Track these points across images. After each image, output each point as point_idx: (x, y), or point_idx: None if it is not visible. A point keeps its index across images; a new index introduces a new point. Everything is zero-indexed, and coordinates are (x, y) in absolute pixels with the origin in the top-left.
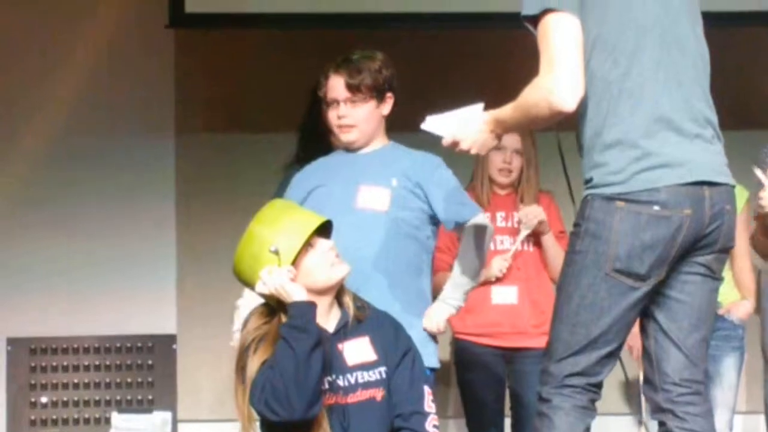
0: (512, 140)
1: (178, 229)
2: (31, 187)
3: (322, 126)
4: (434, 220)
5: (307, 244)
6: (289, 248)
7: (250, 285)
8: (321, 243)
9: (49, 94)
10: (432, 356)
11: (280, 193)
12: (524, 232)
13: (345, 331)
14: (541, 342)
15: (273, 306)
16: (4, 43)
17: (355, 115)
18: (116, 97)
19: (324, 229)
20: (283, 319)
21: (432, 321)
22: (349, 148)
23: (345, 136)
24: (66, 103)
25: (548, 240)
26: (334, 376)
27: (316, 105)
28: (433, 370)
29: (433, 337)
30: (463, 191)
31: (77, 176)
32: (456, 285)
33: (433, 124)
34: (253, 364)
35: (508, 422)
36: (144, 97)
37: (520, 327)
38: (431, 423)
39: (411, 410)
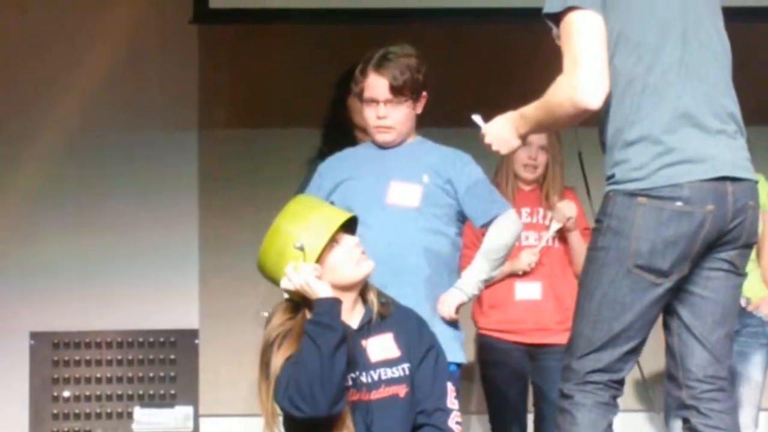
0: (538, 136)
1: (201, 224)
2: (53, 183)
3: (346, 121)
4: (462, 217)
5: (333, 241)
6: (314, 244)
7: (275, 281)
8: (346, 239)
9: (72, 90)
10: (458, 352)
11: (304, 187)
12: (554, 227)
13: (369, 327)
14: (564, 338)
15: (297, 302)
16: (26, 38)
17: (395, 117)
18: (139, 92)
19: (349, 225)
20: (308, 315)
21: (444, 306)
22: (383, 146)
23: (382, 137)
24: (89, 98)
25: (574, 237)
26: (357, 373)
27: (340, 100)
28: (459, 365)
29: (458, 331)
30: (492, 188)
31: (100, 172)
32: (473, 272)
33: (479, 117)
34: (277, 360)
35: (531, 418)
36: (167, 92)
37: (543, 323)
38: (454, 420)
39: (434, 407)
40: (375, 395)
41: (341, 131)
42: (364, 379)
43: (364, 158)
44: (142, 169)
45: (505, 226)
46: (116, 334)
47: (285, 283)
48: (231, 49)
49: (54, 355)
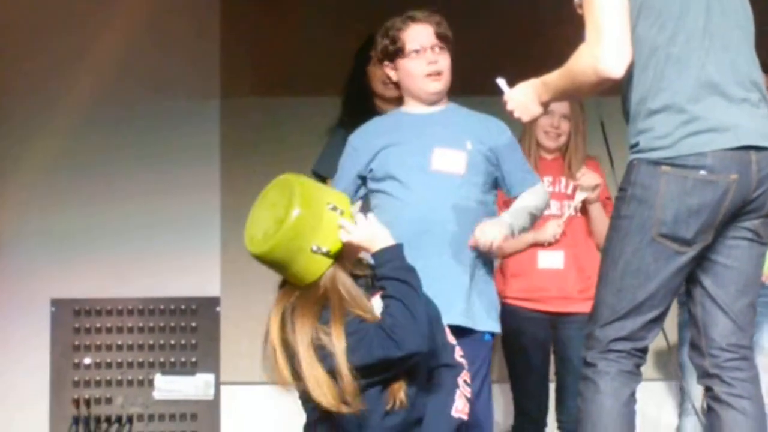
0: (561, 105)
1: (223, 192)
2: (76, 152)
3: (367, 90)
4: (496, 185)
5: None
6: (345, 204)
7: (300, 250)
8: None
9: (95, 60)
10: (494, 322)
11: (325, 156)
12: (579, 197)
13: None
14: (586, 307)
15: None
16: (51, 10)
17: (443, 63)
18: (162, 62)
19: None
20: (342, 274)
21: (485, 234)
22: (430, 100)
23: (435, 85)
24: (112, 68)
25: (595, 209)
26: None
27: (360, 68)
28: (492, 335)
29: (495, 300)
30: (525, 159)
31: (123, 141)
32: (512, 213)
33: (503, 81)
34: (337, 331)
35: (552, 387)
36: (189, 61)
37: (565, 292)
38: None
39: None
40: None
41: (362, 100)
42: None
43: (402, 125)
44: (164, 138)
45: (538, 194)
46: (137, 301)
47: (345, 236)
48: (252, 18)
49: (75, 322)
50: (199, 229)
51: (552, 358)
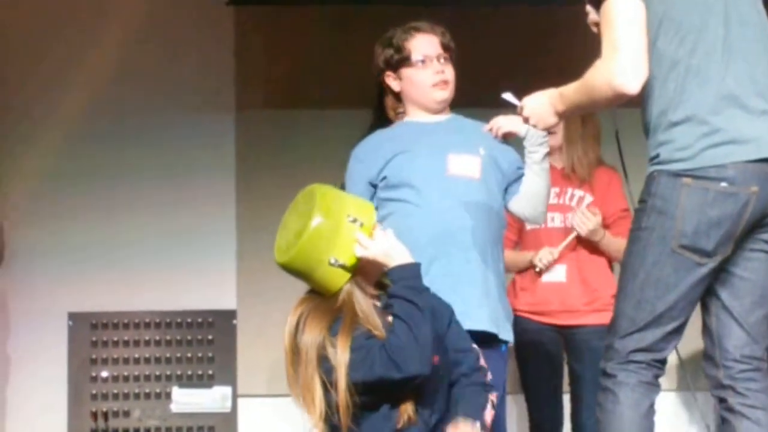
0: None
1: (238, 205)
2: (94, 164)
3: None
4: (505, 190)
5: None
6: (367, 216)
7: (319, 261)
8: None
9: (109, 72)
10: (508, 332)
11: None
12: (573, 234)
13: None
14: (594, 319)
15: (338, 279)
16: (61, 20)
17: (449, 73)
18: (177, 74)
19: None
20: (356, 290)
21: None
22: (436, 109)
23: (442, 94)
24: (127, 80)
25: (605, 242)
26: None
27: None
28: (506, 344)
29: (509, 310)
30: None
31: (138, 153)
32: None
33: (510, 95)
34: (342, 342)
35: (567, 398)
36: (204, 74)
37: (569, 305)
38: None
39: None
40: None
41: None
42: None
43: (410, 133)
44: (180, 151)
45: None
46: (154, 314)
47: (361, 253)
48: (267, 30)
49: (92, 335)
50: (214, 242)
51: (566, 370)
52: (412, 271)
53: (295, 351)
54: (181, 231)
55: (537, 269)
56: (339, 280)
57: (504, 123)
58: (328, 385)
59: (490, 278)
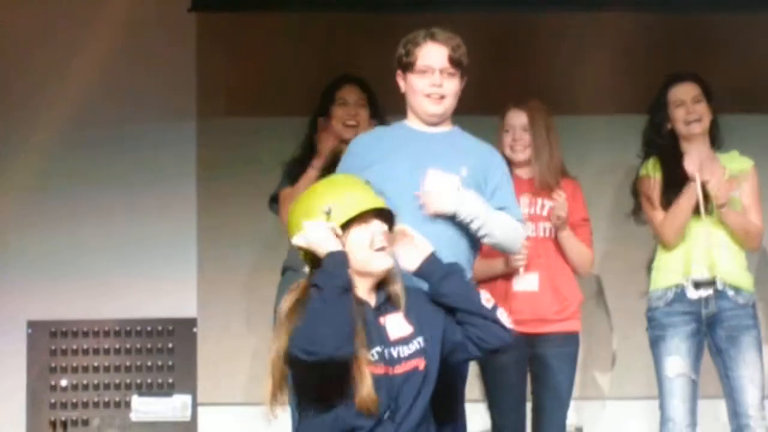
0: (519, 117)
1: (199, 213)
2: (51, 173)
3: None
4: None
5: (362, 221)
6: (341, 213)
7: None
8: (375, 224)
9: (70, 80)
10: None
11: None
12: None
13: (386, 306)
14: (561, 327)
15: (305, 267)
16: (25, 29)
17: (448, 87)
18: (138, 81)
19: (385, 218)
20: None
21: (439, 196)
22: (428, 121)
23: (434, 107)
24: (87, 88)
25: (565, 238)
26: (381, 348)
27: (324, 107)
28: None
29: None
30: (515, 196)
31: (98, 161)
32: (487, 208)
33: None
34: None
35: (529, 406)
36: (165, 81)
37: (540, 314)
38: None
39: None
40: (398, 369)
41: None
42: (387, 354)
43: (402, 140)
44: (140, 158)
45: (517, 233)
46: (114, 322)
47: (297, 239)
48: (229, 38)
49: (51, 343)
50: (175, 250)
51: (528, 377)
52: (333, 258)
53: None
54: (142, 239)
55: (520, 267)
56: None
57: (430, 202)
58: None
59: None
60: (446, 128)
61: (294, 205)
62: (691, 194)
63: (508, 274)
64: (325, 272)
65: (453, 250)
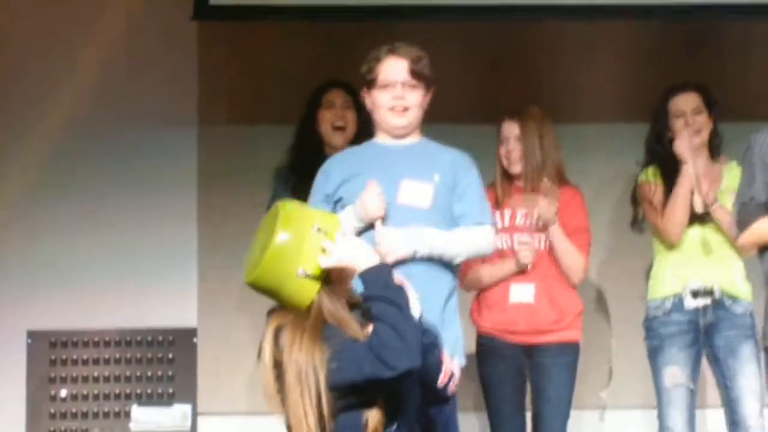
0: (511, 128)
1: (200, 221)
2: (52, 180)
3: (316, 136)
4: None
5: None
6: (332, 225)
7: (287, 275)
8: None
9: (71, 87)
10: (459, 356)
11: (275, 198)
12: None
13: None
14: (559, 336)
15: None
16: (27, 35)
17: (411, 100)
18: (139, 88)
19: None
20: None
21: (386, 241)
22: (394, 133)
23: (398, 120)
24: (89, 95)
25: (553, 230)
26: None
27: (311, 115)
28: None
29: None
30: (485, 200)
31: (99, 169)
32: (437, 236)
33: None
34: (315, 350)
35: (528, 416)
36: (167, 89)
37: (537, 325)
38: None
39: None
40: None
41: (311, 146)
42: None
43: (373, 155)
44: (141, 166)
45: (481, 238)
46: (114, 332)
47: (325, 261)
48: (231, 46)
49: (51, 353)
50: (175, 260)
51: (528, 387)
52: (382, 271)
53: (276, 366)
54: (142, 248)
55: (528, 263)
56: (310, 291)
57: (385, 255)
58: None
59: (432, 306)
60: (415, 139)
61: (277, 246)
62: (685, 178)
63: (521, 272)
64: (389, 286)
65: (432, 272)
